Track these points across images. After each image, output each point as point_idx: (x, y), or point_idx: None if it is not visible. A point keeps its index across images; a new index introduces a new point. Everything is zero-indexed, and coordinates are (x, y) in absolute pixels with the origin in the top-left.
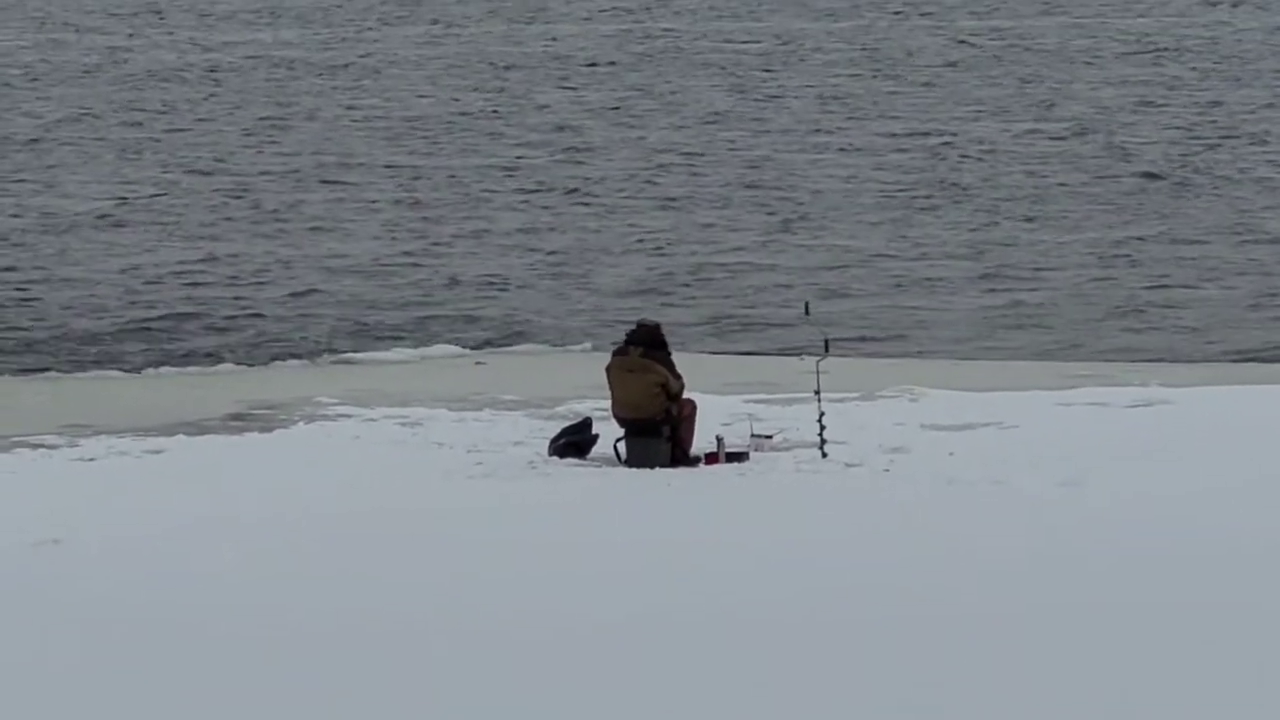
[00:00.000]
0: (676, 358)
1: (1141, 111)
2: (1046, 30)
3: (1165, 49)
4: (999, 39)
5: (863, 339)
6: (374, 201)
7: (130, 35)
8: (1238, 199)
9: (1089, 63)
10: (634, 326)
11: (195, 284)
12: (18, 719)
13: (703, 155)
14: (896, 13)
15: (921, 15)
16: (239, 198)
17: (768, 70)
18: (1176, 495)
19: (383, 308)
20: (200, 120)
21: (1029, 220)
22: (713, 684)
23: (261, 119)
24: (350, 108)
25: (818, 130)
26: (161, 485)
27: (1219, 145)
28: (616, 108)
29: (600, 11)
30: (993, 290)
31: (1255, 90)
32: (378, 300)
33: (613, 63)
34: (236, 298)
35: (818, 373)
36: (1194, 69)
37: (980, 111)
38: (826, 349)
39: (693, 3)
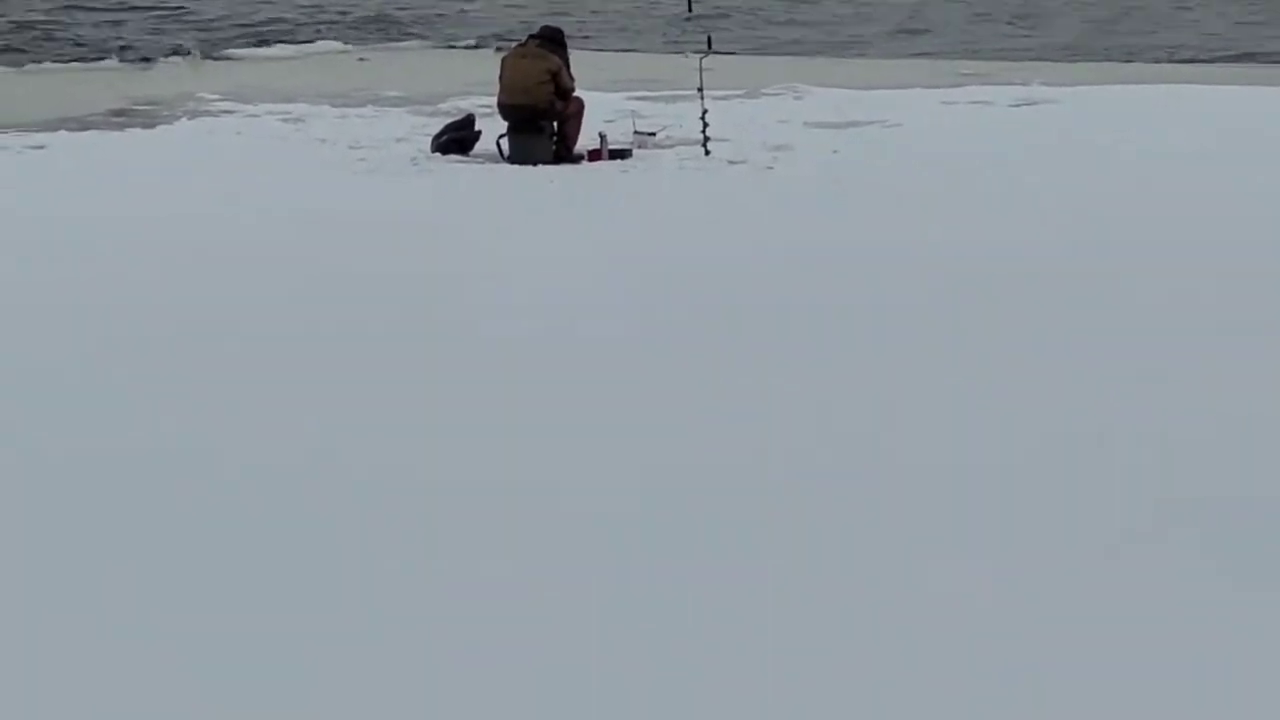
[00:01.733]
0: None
1: None
2: None
3: None
4: None
5: (749, 36)
6: None
7: None
8: None
9: None
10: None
11: None
12: None
13: None
14: None
15: None
16: None
17: None
18: (1053, 201)
19: (265, 4)
20: None
21: None
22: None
23: None
24: None
25: None
26: (42, 181)
27: None
28: None
29: None
30: None
31: None
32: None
33: None
34: None
35: (700, 70)
36: None
37: None
38: (709, 46)
39: None
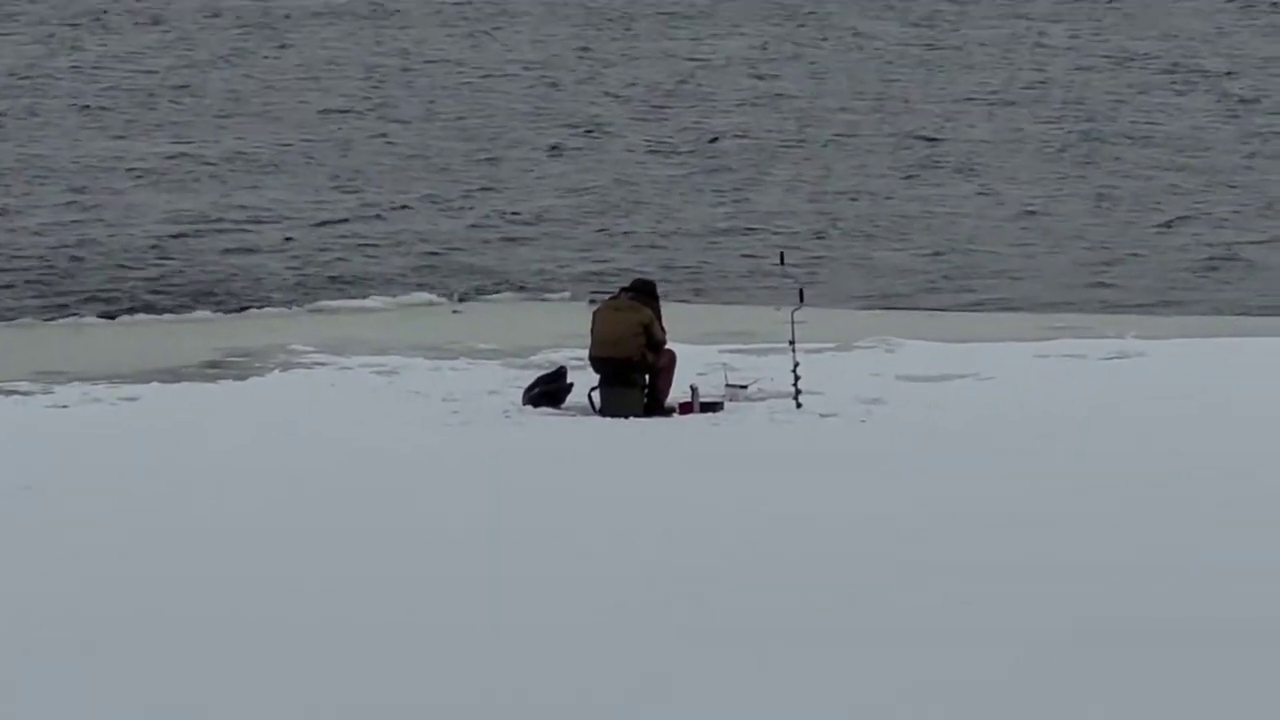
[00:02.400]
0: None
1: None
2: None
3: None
4: None
5: (842, 287)
6: (352, 151)
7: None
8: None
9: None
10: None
11: (172, 232)
12: None
13: (668, 108)
14: None
15: None
16: (221, 148)
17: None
18: (1151, 452)
19: (361, 256)
20: (186, 66)
21: (1001, 174)
22: (684, 644)
23: (243, 72)
24: (340, 61)
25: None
26: (136, 434)
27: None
28: (586, 51)
29: None
30: (969, 243)
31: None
32: (356, 249)
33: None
34: (214, 246)
35: (793, 322)
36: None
37: (960, 81)
38: (801, 298)
39: None
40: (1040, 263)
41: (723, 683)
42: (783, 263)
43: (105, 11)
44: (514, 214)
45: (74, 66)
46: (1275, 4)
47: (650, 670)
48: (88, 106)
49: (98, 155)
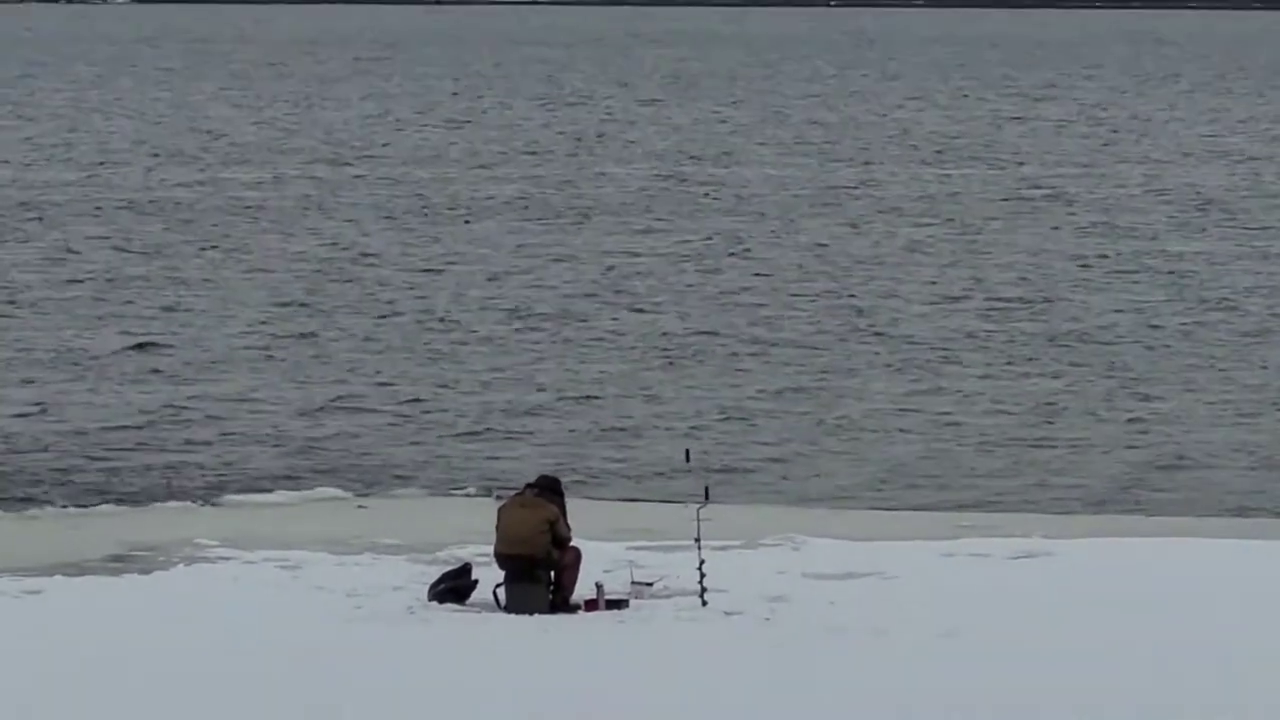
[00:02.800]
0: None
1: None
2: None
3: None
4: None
5: (749, 484)
6: (259, 339)
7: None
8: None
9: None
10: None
11: (74, 422)
12: None
13: (598, 302)
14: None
15: None
16: (119, 333)
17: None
18: (1051, 651)
19: (266, 449)
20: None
21: (924, 371)
22: None
23: (144, 251)
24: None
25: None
26: (36, 629)
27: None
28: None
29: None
30: (880, 439)
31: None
32: (261, 441)
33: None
34: (117, 437)
35: (698, 520)
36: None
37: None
38: (707, 496)
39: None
40: (958, 460)
41: None
42: (689, 459)
43: None
44: (424, 410)
45: None
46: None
47: None
48: None
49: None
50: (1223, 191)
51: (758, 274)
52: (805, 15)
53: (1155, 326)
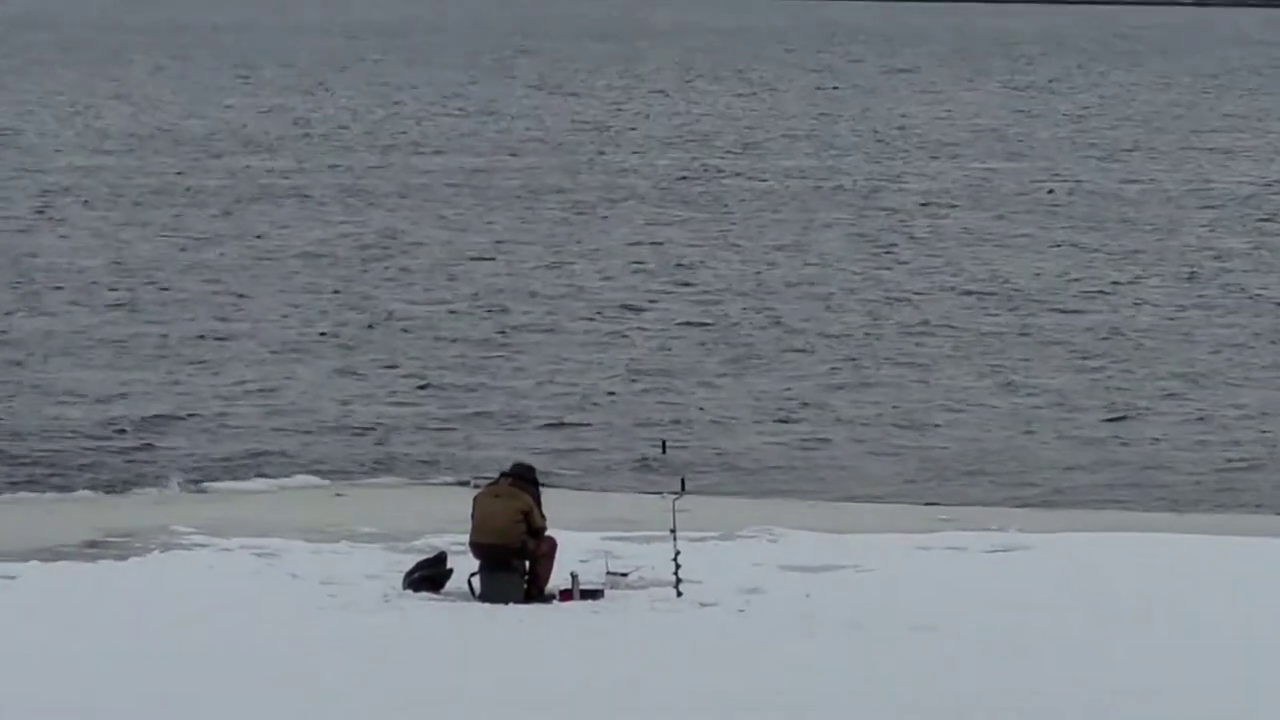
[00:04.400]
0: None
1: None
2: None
3: None
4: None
5: (726, 475)
6: (239, 330)
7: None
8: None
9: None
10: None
11: (52, 407)
12: None
13: (574, 296)
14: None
15: None
16: (100, 319)
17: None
18: (1027, 645)
19: (243, 436)
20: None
21: (900, 360)
22: None
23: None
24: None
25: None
26: (11, 614)
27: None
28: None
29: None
30: (863, 429)
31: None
32: (238, 429)
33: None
34: (95, 422)
35: (674, 511)
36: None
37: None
38: (683, 487)
39: None
40: (935, 454)
41: None
42: (664, 451)
43: None
44: (402, 400)
45: None
46: None
47: None
48: None
49: None
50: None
51: (744, 263)
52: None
53: (1141, 323)
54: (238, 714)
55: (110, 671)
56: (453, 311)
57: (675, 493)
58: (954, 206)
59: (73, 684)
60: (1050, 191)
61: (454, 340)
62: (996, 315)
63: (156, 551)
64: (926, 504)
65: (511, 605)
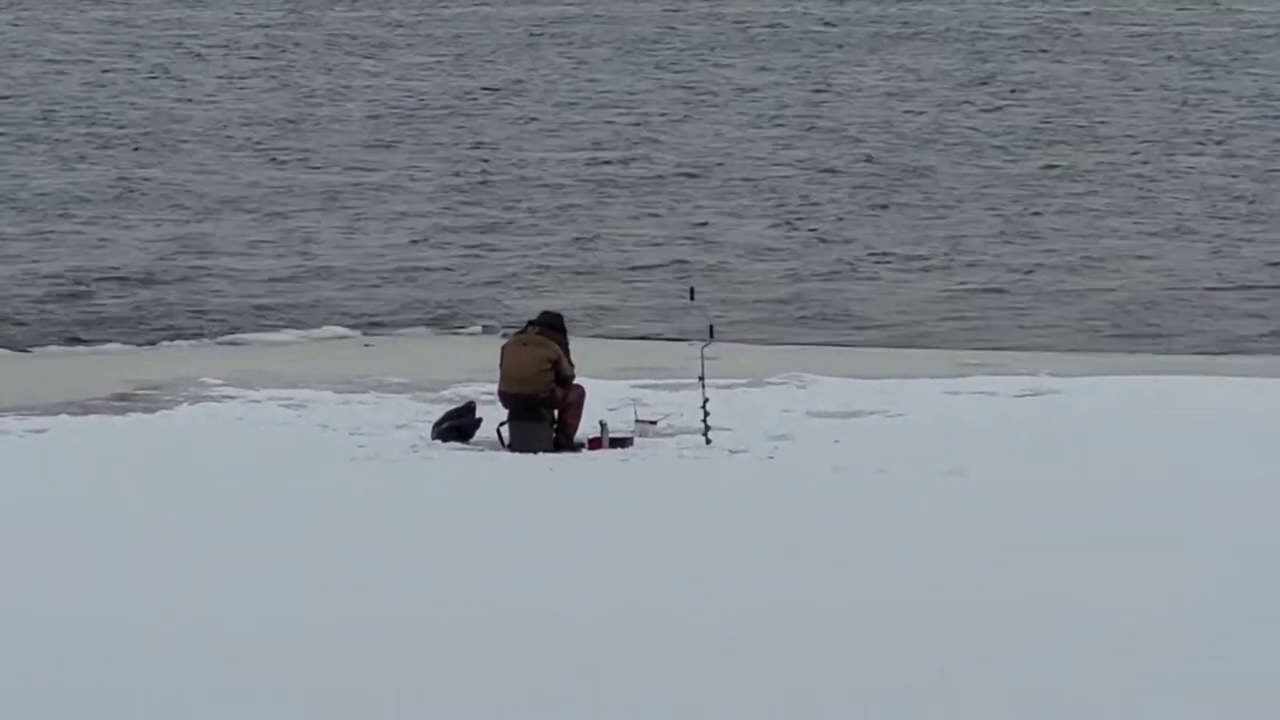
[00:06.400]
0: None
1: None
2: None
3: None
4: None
5: (755, 322)
6: (270, 184)
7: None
8: (1136, 186)
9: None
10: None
11: (82, 262)
12: None
13: (599, 143)
14: None
15: None
16: (130, 179)
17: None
18: (1056, 488)
19: (272, 288)
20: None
21: (931, 208)
22: (581, 675)
23: (156, 98)
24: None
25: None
26: (41, 467)
27: (1120, 138)
28: (517, 85)
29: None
30: (893, 276)
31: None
32: (267, 281)
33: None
34: (124, 277)
35: (702, 358)
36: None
37: (899, 96)
38: (711, 334)
39: None
40: (966, 299)
41: None
42: (693, 298)
43: None
44: (425, 248)
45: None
46: None
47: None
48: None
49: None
50: None
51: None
52: None
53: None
54: (264, 565)
55: (139, 521)
56: (485, 162)
57: (704, 340)
58: None
59: (102, 535)
60: None
61: (482, 194)
62: (1031, 159)
63: (185, 404)
64: (955, 349)
65: (540, 454)
